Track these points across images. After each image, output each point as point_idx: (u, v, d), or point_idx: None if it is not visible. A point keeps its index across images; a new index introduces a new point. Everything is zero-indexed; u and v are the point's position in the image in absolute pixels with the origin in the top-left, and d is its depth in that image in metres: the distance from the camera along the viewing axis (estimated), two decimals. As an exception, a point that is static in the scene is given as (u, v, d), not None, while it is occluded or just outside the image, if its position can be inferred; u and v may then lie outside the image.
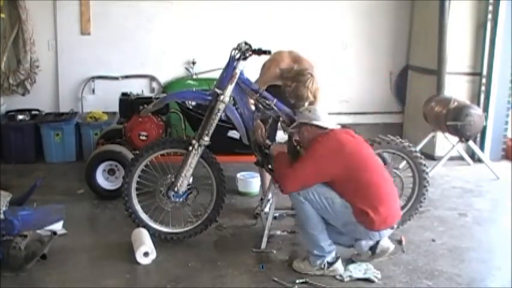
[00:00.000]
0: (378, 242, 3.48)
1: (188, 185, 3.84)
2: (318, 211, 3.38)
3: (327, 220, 3.42)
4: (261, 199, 4.31)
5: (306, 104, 3.81)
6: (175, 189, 3.79)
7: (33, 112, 6.09)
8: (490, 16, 6.06)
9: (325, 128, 3.46)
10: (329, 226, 3.46)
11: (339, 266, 3.49)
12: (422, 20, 6.59)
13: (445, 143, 5.99)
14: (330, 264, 3.47)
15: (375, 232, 3.37)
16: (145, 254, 3.61)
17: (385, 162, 4.31)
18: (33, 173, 5.50)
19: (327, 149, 3.36)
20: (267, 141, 3.87)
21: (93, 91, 6.43)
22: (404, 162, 4.25)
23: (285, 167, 3.51)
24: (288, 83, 3.83)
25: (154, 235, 3.88)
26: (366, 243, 3.48)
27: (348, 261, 3.62)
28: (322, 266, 3.46)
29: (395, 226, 3.51)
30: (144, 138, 5.06)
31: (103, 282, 3.39)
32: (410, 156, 4.01)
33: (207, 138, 3.77)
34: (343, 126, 3.83)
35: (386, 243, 3.51)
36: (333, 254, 3.49)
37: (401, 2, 6.84)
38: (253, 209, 4.54)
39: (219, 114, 3.77)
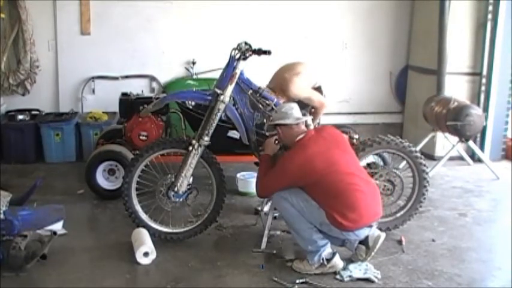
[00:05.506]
0: (366, 236, 3.50)
1: (188, 185, 3.83)
2: (297, 211, 3.44)
3: (308, 220, 3.45)
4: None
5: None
6: (175, 189, 3.79)
7: (33, 112, 6.09)
8: (490, 16, 6.06)
9: (290, 125, 3.50)
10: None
11: (337, 260, 3.50)
12: (422, 20, 6.58)
13: (445, 143, 5.99)
14: (328, 260, 3.47)
15: (349, 232, 3.40)
16: (145, 254, 3.61)
17: (385, 162, 4.33)
18: (33, 173, 5.51)
19: (295, 165, 3.41)
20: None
21: (93, 91, 6.43)
22: (404, 162, 4.25)
23: (263, 171, 3.61)
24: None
25: (155, 235, 3.88)
26: (354, 240, 3.52)
27: (348, 261, 3.61)
28: (321, 261, 3.46)
29: (374, 224, 3.52)
30: (144, 138, 5.06)
31: (103, 282, 3.39)
32: (410, 156, 4.01)
33: (207, 138, 3.77)
34: (343, 126, 3.83)
35: (375, 232, 3.53)
36: (329, 250, 3.50)
37: (401, 2, 6.83)
38: (254, 209, 4.54)
39: (219, 114, 3.77)
